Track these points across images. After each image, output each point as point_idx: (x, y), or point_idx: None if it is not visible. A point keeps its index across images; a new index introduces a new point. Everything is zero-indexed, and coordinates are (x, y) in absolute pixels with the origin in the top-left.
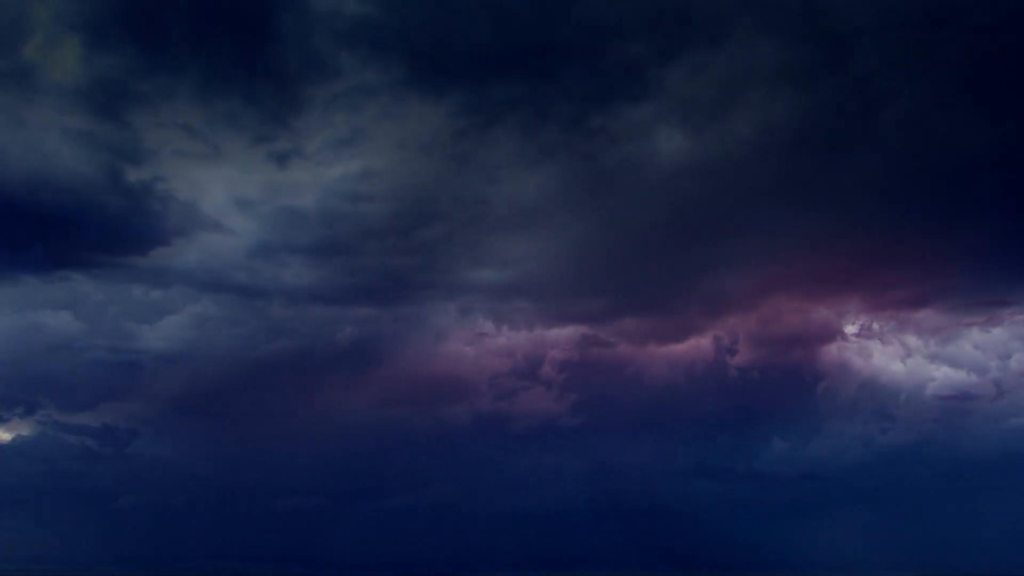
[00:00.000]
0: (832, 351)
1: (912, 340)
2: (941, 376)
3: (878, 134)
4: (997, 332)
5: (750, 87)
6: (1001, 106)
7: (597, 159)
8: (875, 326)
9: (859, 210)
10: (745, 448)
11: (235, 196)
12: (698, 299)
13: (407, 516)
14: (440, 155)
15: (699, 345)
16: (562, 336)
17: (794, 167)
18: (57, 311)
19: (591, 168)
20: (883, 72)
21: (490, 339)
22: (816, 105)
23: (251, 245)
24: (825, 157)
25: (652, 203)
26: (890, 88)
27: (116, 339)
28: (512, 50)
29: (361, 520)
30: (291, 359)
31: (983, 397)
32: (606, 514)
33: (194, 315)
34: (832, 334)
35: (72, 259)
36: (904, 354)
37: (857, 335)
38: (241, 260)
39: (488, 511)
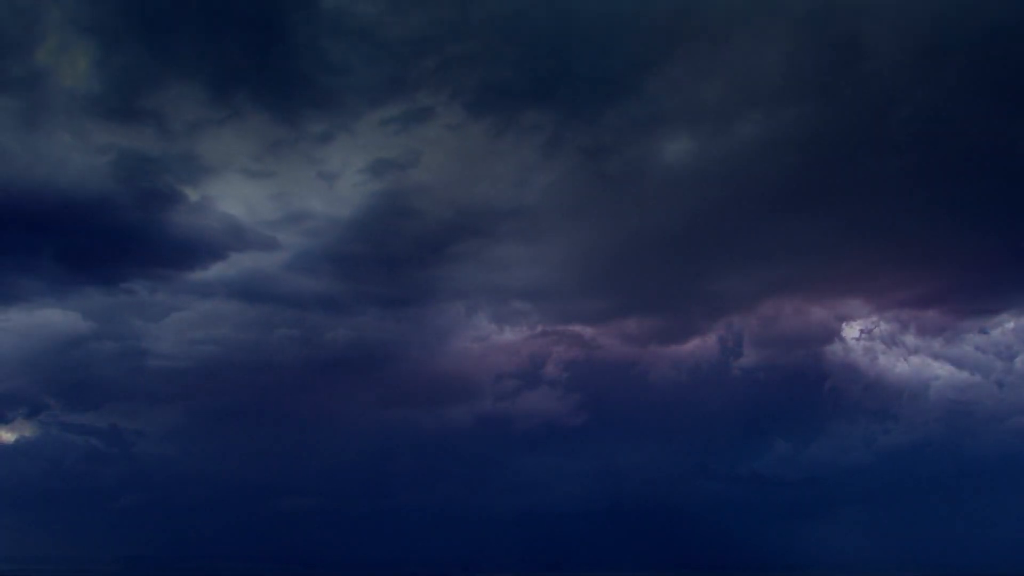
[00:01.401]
0: (836, 352)
1: (917, 341)
2: (945, 376)
3: (885, 139)
4: (1001, 333)
5: (756, 92)
6: (1011, 110)
7: (609, 172)
8: (879, 327)
9: (865, 212)
10: (748, 449)
11: (284, 213)
12: (703, 300)
13: (409, 516)
14: (470, 173)
15: (703, 346)
16: (567, 336)
17: (801, 171)
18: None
19: (604, 179)
20: (892, 77)
21: (497, 339)
22: (824, 109)
23: (290, 259)
24: (832, 161)
25: (661, 208)
26: (898, 93)
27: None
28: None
29: (362, 520)
30: (304, 363)
31: (987, 397)
32: (609, 514)
33: (235, 323)
34: (837, 335)
35: (137, 273)
36: (908, 355)
37: (859, 337)
38: (279, 272)
39: (490, 511)
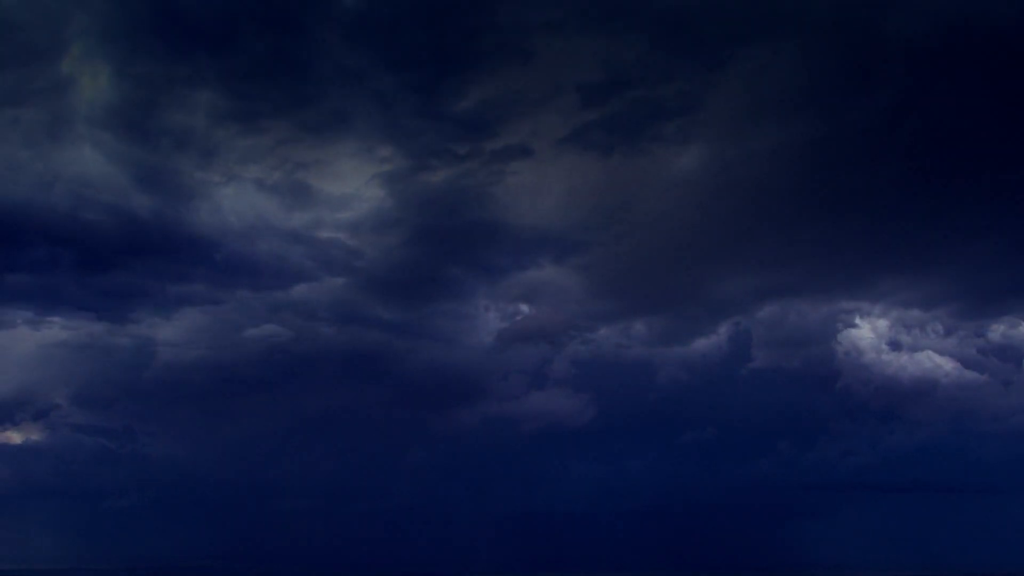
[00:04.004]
0: (843, 353)
1: (924, 341)
2: (952, 376)
3: (893, 146)
4: (1002, 335)
5: (765, 103)
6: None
7: (623, 181)
8: (886, 328)
9: (873, 214)
10: (753, 450)
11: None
12: (710, 302)
13: (410, 516)
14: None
15: (710, 347)
16: (576, 335)
17: (810, 177)
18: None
19: (619, 189)
20: (901, 86)
21: (505, 339)
22: (833, 118)
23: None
24: (841, 167)
25: (671, 214)
26: (907, 102)
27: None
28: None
29: (362, 520)
30: (315, 367)
31: (993, 397)
32: (612, 514)
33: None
34: (843, 336)
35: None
36: (915, 355)
37: (865, 338)
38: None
39: (493, 511)
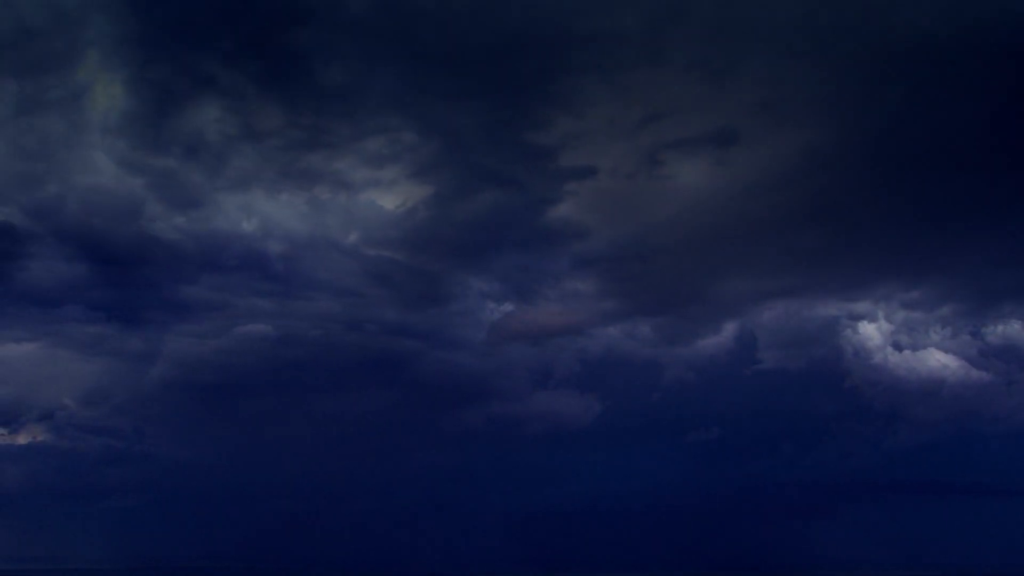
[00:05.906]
0: (847, 353)
1: (927, 340)
2: (957, 375)
3: (896, 152)
4: (1002, 335)
5: (769, 115)
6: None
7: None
8: (890, 328)
9: (877, 215)
10: (757, 449)
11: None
12: (715, 302)
13: (411, 516)
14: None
15: (714, 347)
16: (580, 335)
17: (813, 183)
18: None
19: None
20: (903, 98)
21: (508, 338)
22: (837, 128)
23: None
24: (845, 171)
25: (677, 217)
26: (912, 105)
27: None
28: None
29: (363, 521)
30: (320, 368)
31: (996, 396)
32: (614, 514)
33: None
34: (847, 336)
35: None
36: (919, 355)
37: (869, 338)
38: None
39: (496, 511)
